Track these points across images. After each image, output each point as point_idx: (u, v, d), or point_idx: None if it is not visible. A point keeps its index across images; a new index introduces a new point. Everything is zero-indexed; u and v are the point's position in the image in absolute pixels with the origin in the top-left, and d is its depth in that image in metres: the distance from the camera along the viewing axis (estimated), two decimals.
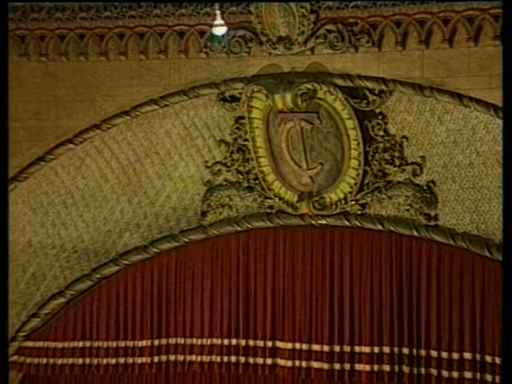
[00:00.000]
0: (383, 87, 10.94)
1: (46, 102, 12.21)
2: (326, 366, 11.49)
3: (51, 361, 12.54)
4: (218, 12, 11.07)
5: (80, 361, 12.41)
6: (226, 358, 12.16)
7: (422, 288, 11.19)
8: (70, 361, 12.48)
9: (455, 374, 11.00)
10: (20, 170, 12.23)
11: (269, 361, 11.92)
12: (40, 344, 12.53)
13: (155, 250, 12.12)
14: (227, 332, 12.07)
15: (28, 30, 12.01)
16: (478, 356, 10.96)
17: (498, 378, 11.07)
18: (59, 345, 12.49)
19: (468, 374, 10.93)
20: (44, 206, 12.42)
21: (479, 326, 10.91)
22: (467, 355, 10.95)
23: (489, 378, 10.97)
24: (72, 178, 12.23)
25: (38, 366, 12.59)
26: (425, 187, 11.06)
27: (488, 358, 10.90)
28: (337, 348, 11.50)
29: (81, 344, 12.41)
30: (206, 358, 12.21)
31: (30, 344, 12.55)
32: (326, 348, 11.53)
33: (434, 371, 11.13)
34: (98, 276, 12.27)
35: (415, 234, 11.18)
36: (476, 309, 10.92)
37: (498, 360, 10.98)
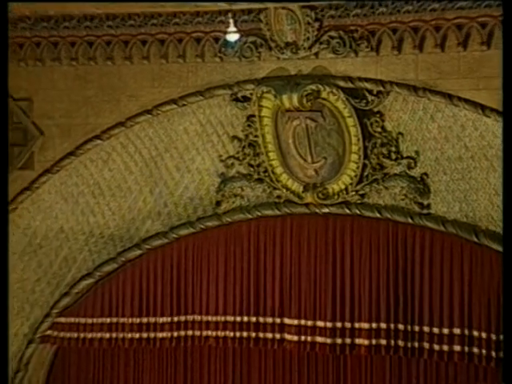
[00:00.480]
0: (381, 88, 10.95)
1: (76, 101, 12.20)
2: (328, 340, 11.49)
3: (81, 335, 12.57)
4: (231, 20, 11.06)
5: (107, 335, 12.44)
6: (238, 334, 12.13)
7: (416, 270, 11.18)
8: (99, 335, 12.52)
9: (445, 348, 10.99)
10: (53, 163, 12.25)
11: (277, 336, 11.92)
12: (71, 320, 12.55)
13: (174, 235, 12.14)
14: (239, 310, 12.08)
15: (60, 37, 12.00)
16: (466, 331, 10.95)
17: (484, 352, 10.86)
18: (89, 321, 12.51)
19: (457, 348, 10.93)
20: (74, 196, 12.41)
21: (467, 303, 10.90)
22: (456, 330, 10.94)
23: (476, 350, 10.96)
24: (99, 171, 12.25)
25: (69, 339, 12.61)
26: (418, 179, 11.06)
27: (475, 333, 10.90)
28: (338, 324, 11.49)
29: (108, 320, 12.44)
30: (220, 334, 12.17)
31: (62, 320, 12.53)
32: (328, 324, 11.53)
33: (426, 345, 11.12)
34: (123, 259, 12.31)
35: (410, 221, 11.18)
36: (464, 289, 10.92)
37: (484, 335, 10.86)
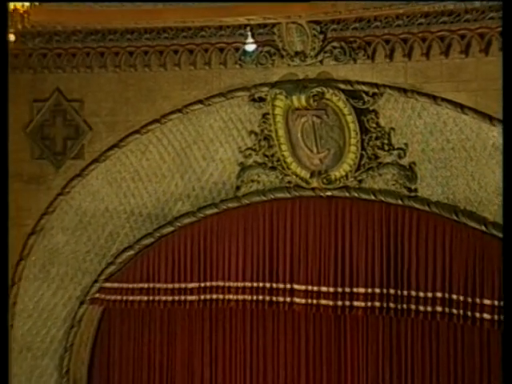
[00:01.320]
0: (375, 90, 10.93)
1: (118, 102, 12.18)
2: (331, 303, 11.48)
3: (124, 298, 12.57)
4: (249, 33, 11.18)
5: (145, 298, 12.44)
6: (254, 297, 12.06)
7: (405, 244, 11.18)
8: (138, 298, 12.50)
9: (429, 309, 10.97)
10: (99, 154, 12.24)
11: (287, 299, 11.88)
12: (115, 285, 12.56)
13: (201, 214, 12.10)
14: (255, 277, 12.04)
15: (106, 47, 11.98)
16: (447, 294, 10.89)
17: (461, 312, 10.85)
18: (130, 286, 12.51)
19: (439, 309, 10.91)
20: (117, 181, 12.37)
21: (448, 272, 10.90)
22: (438, 294, 10.91)
23: (454, 311, 10.90)
24: (138, 160, 12.21)
25: (114, 301, 12.62)
26: (407, 167, 11.03)
27: (454, 296, 10.83)
28: (339, 289, 11.46)
29: (146, 285, 12.44)
30: (239, 297, 12.13)
31: (108, 285, 12.54)
32: (331, 289, 11.50)
33: (413, 306, 11.10)
34: (158, 234, 12.27)
35: (400, 202, 11.13)
36: (445, 259, 10.92)
37: (461, 298, 10.84)
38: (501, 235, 10.69)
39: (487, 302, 10.68)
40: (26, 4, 7.81)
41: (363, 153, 11.07)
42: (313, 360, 11.99)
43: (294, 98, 11.03)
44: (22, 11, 7.69)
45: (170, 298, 12.34)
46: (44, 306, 12.73)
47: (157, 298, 12.39)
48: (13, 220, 12.30)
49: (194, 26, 11.22)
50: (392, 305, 11.23)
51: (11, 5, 7.89)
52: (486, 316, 10.67)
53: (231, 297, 12.10)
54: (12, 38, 8.37)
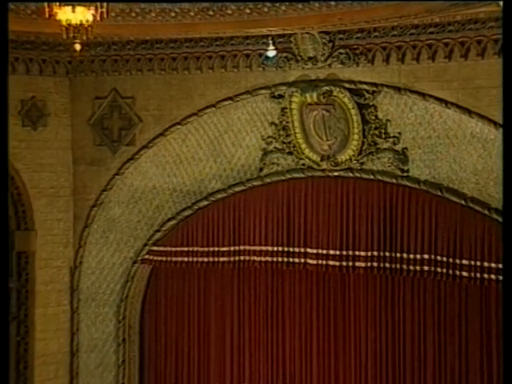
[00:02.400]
0: (375, 88, 10.95)
1: (163, 99, 12.13)
2: (337, 263, 11.56)
3: (168, 259, 12.60)
4: (270, 42, 11.06)
5: (185, 259, 12.47)
6: (275, 259, 12.08)
7: (399, 215, 11.19)
8: (180, 259, 12.52)
9: (418, 268, 11.04)
10: (148, 141, 12.23)
11: (302, 260, 11.90)
12: (161, 248, 12.57)
13: (230, 191, 12.13)
14: (276, 242, 12.01)
15: (153, 54, 11.93)
16: (432, 256, 10.95)
17: (444, 270, 10.91)
18: (173, 249, 12.52)
19: (426, 268, 10.98)
20: (162, 164, 12.35)
21: (434, 238, 10.95)
22: (425, 256, 10.96)
23: (439, 270, 10.93)
24: (179, 146, 12.19)
25: (160, 262, 12.65)
26: (400, 152, 11.03)
27: (438, 258, 10.89)
28: (344, 252, 11.50)
29: (186, 248, 12.45)
30: (262, 259, 12.14)
31: (155, 248, 12.57)
32: (337, 252, 11.55)
33: (404, 266, 11.15)
34: (196, 207, 12.31)
35: (394, 181, 11.16)
36: (432, 227, 10.97)
37: (444, 259, 10.91)
38: (477, 208, 10.73)
39: (465, 262, 10.78)
40: (90, 19, 7.73)
41: (364, 140, 11.11)
42: (322, 310, 11.95)
43: (307, 95, 11.10)
44: (86, 25, 7.68)
45: (205, 260, 12.40)
46: (104, 265, 12.77)
47: (195, 259, 12.43)
48: (79, 195, 12.85)
49: (225, 36, 11.19)
50: (387, 265, 11.27)
51: (78, 20, 7.74)
52: (465, 274, 10.78)
53: (255, 258, 12.14)
54: (78, 47, 8.42)
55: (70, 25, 7.46)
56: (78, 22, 7.50)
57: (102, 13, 7.43)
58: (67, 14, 7.43)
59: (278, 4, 9.85)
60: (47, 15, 7.42)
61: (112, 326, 12.76)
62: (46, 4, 7.59)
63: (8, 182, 7.19)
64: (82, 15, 7.48)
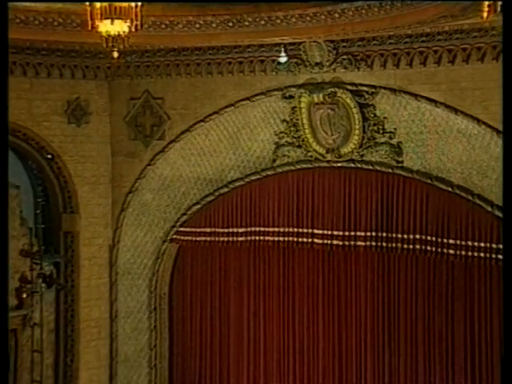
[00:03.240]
0: (373, 90, 10.96)
1: (189, 99, 12.11)
2: (340, 243, 11.61)
3: (193, 238, 12.64)
4: (282, 49, 11.10)
5: (208, 239, 12.50)
6: (285, 239, 12.08)
7: (394, 200, 11.23)
8: (203, 238, 12.56)
9: (410, 246, 11.07)
10: (176, 136, 12.24)
11: (309, 240, 11.91)
12: (187, 229, 12.61)
13: (247, 180, 12.15)
14: (286, 224, 12.01)
15: (180, 60, 11.95)
16: (423, 236, 11.00)
17: (434, 249, 10.97)
18: (197, 230, 12.57)
19: (417, 246, 11.04)
20: (188, 156, 12.37)
21: (424, 220, 10.99)
22: (417, 236, 11.02)
23: (428, 248, 10.99)
24: (203, 141, 12.21)
25: (186, 241, 12.71)
26: (396, 145, 11.04)
27: (428, 238, 10.94)
28: (346, 233, 11.54)
29: (208, 229, 12.51)
30: (275, 239, 12.15)
31: (181, 229, 12.61)
32: (340, 233, 11.59)
33: (399, 245, 11.21)
34: (217, 193, 12.34)
35: (390, 171, 11.16)
36: (423, 211, 11.01)
37: (434, 238, 10.96)
38: (462, 194, 10.78)
39: (451, 241, 10.85)
40: (126, 30, 7.58)
41: (364, 135, 11.12)
42: (327, 282, 11.97)
43: (315, 95, 11.12)
44: (123, 36, 7.55)
45: (225, 239, 12.41)
46: (138, 243, 12.81)
47: (216, 238, 12.46)
48: (116, 183, 12.96)
49: (243, 44, 11.20)
50: (384, 244, 11.33)
51: (116, 31, 7.54)
52: (451, 251, 10.86)
53: (268, 238, 12.17)
54: (116, 54, 8.47)
55: (109, 36, 7.46)
56: (116, 33, 7.47)
57: (136, 25, 7.33)
58: (107, 27, 7.38)
59: (289, 16, 9.73)
60: (90, 27, 7.32)
61: (145, 296, 12.80)
62: (89, 18, 7.42)
63: (7, 182, 6.22)
64: (119, 27, 7.41)
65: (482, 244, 10.59)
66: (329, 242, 11.74)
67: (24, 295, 11.91)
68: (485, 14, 4.70)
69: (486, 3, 4.83)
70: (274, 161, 11.95)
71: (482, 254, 10.60)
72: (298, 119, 11.52)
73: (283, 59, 11.13)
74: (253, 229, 12.30)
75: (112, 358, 12.79)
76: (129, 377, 12.86)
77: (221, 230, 12.46)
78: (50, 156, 12.21)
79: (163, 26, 9.95)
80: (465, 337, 11.02)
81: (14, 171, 12.07)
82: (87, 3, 7.24)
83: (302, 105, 11.33)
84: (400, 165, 11.06)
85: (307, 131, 11.50)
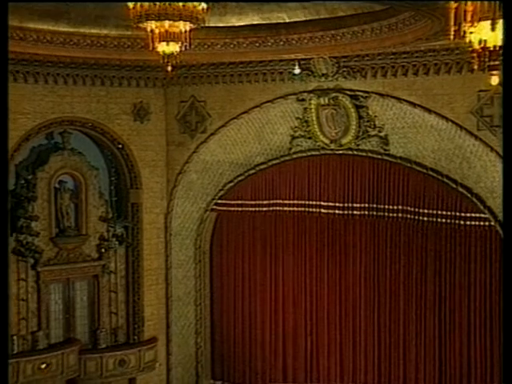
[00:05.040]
0: (366, 94, 10.89)
1: (225, 101, 12.08)
2: (341, 212, 11.65)
3: (228, 208, 12.68)
4: (296, 63, 11.03)
5: (239, 209, 12.54)
6: (298, 209, 12.07)
7: (382, 179, 11.22)
8: (235, 208, 12.51)
9: (394, 215, 11.16)
10: (215, 130, 12.21)
11: (317, 210, 11.91)
12: (223, 201, 12.66)
13: (270, 164, 12.14)
14: (299, 197, 12.01)
15: (218, 72, 11.87)
16: (405, 207, 11.05)
17: (415, 217, 10.90)
18: (231, 202, 12.61)
19: (400, 215, 11.09)
20: (224, 145, 12.32)
21: (406, 193, 11.00)
22: (400, 207, 11.06)
23: (408, 216, 11.06)
24: (235, 133, 12.17)
25: (222, 210, 12.76)
26: (383, 137, 11.00)
27: (409, 208, 10.99)
28: (345, 204, 11.59)
29: (239, 202, 12.52)
30: (290, 209, 12.16)
31: (219, 201, 12.67)
32: (341, 205, 11.63)
33: (386, 214, 11.25)
34: (246, 174, 12.37)
35: (379, 157, 11.11)
36: (404, 187, 11.07)
37: (412, 208, 10.91)
38: (434, 174, 10.63)
39: (426, 211, 10.85)
40: (178, 50, 7.38)
41: (359, 129, 11.12)
42: (331, 243, 12.04)
43: (321, 99, 11.19)
44: (175, 54, 7.48)
45: (252, 209, 12.51)
46: (186, 212, 12.84)
47: (245, 208, 12.55)
48: (169, 166, 12.68)
49: (266, 59, 11.18)
50: (374, 213, 11.41)
51: (170, 51, 7.33)
52: (425, 218, 10.89)
53: (285, 208, 12.22)
54: (170, 68, 7.92)
55: (165, 54, 7.38)
56: (170, 52, 7.41)
57: (185, 46, 7.28)
58: (163, 47, 7.33)
59: (301, 38, 9.67)
60: (151, 48, 7.25)
61: (191, 251, 12.91)
62: (150, 41, 7.16)
63: (7, 183, 5.37)
64: (173, 48, 7.37)
65: (449, 213, 10.63)
66: (332, 211, 11.79)
67: (102, 250, 12.03)
68: (451, 37, 4.84)
69: (453, 29, 4.83)
70: (290, 149, 11.96)
71: (448, 220, 10.65)
72: (308, 117, 11.55)
73: (297, 71, 11.15)
74: (273, 201, 12.35)
75: (167, 298, 12.82)
76: (180, 312, 12.88)
77: (249, 202, 12.52)
78: (120, 146, 12.28)
79: (206, 46, 10.04)
80: (434, 282, 11.09)
81: (94, 157, 12.25)
82: (149, 30, 6.99)
83: (312, 106, 11.38)
84: (387, 152, 11.08)
85: (315, 126, 11.50)
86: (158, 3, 6.73)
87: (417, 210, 10.98)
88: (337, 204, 11.79)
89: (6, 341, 4.49)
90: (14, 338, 11.08)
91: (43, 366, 10.92)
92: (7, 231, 4.71)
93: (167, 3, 6.78)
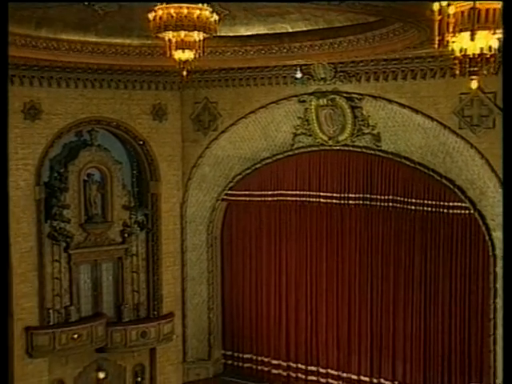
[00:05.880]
0: (361, 96, 10.88)
1: (235, 103, 12.06)
2: (338, 201, 11.66)
3: (237, 198, 12.69)
4: (298, 68, 11.04)
5: (247, 198, 12.57)
6: (301, 199, 12.04)
7: (374, 172, 11.27)
8: (243, 198, 12.62)
9: (385, 204, 11.15)
10: (225, 128, 12.16)
11: (317, 199, 11.86)
12: (233, 192, 12.68)
13: (274, 158, 12.14)
14: (301, 188, 11.97)
15: (229, 76, 11.88)
16: (394, 197, 11.05)
17: (401, 205, 10.90)
18: (239, 192, 12.62)
19: (390, 204, 11.16)
20: (233, 142, 12.31)
21: (396, 185, 11.07)
22: (390, 197, 11.15)
23: (398, 205, 11.02)
24: (244, 131, 12.10)
25: (232, 200, 12.77)
26: (376, 134, 11.02)
27: (397, 198, 11.12)
28: (342, 195, 11.58)
29: (247, 192, 12.56)
30: (292, 199, 12.14)
31: (229, 192, 12.68)
32: (338, 195, 11.63)
33: (378, 203, 11.23)
34: (253, 168, 12.20)
35: (372, 152, 11.11)
36: (393, 179, 11.16)
37: (401, 198, 10.97)
38: (420, 168, 10.64)
39: (413, 200, 10.94)
40: (192, 57, 7.00)
41: (354, 127, 11.17)
42: (330, 228, 12.07)
43: (320, 100, 11.24)
44: (190, 61, 7.02)
45: (258, 199, 12.55)
46: (199, 201, 12.88)
47: (252, 198, 12.61)
48: (185, 160, 12.61)
49: (271, 65, 11.19)
50: (367, 202, 11.49)
51: (185, 57, 6.97)
52: (412, 207, 10.99)
53: (289, 198, 12.31)
54: (185, 73, 7.50)
55: (180, 61, 6.95)
56: (185, 59, 6.99)
57: (199, 53, 7.03)
58: (179, 55, 6.90)
59: (303, 46, 9.65)
60: (168, 55, 7.03)
61: (204, 236, 12.97)
62: (167, 49, 6.89)
63: (7, 183, 4.89)
64: (188, 55, 6.98)
65: (434, 202, 10.73)
66: (330, 201, 11.86)
67: (125, 235, 12.16)
68: (436, 46, 4.91)
69: (437, 38, 4.64)
70: (293, 145, 12.00)
71: (433, 209, 10.76)
72: (309, 116, 11.59)
73: (299, 75, 11.19)
74: (278, 192, 12.40)
75: (183, 278, 12.88)
76: (194, 290, 12.97)
77: (255, 193, 12.59)
78: (141, 142, 12.32)
79: (217, 54, 10.07)
80: (421, 262, 11.23)
81: (118, 153, 12.37)
82: (167, 39, 6.79)
83: (312, 107, 11.41)
84: (379, 148, 11.12)
85: (315, 125, 11.55)
86: (174, 16, 6.68)
87: (405, 199, 11.11)
88: (334, 194, 11.85)
89: (6, 341, 4.00)
90: (50, 311, 11.36)
91: (75, 336, 11.25)
92: (7, 231, 3.90)
93: (183, 16, 6.68)
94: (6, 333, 3.88)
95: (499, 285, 9.83)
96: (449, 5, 4.47)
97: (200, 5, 6.64)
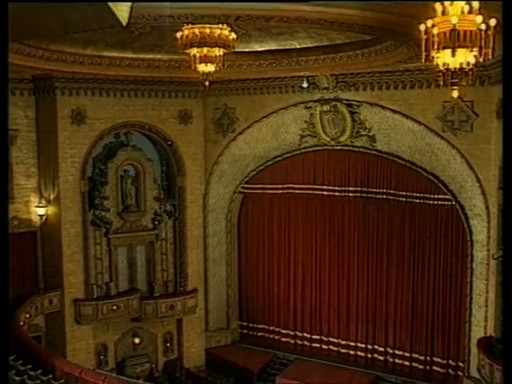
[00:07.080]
0: (359, 103, 10.91)
1: (250, 109, 12.06)
2: (339, 194, 11.79)
3: (252, 191, 12.74)
4: (304, 79, 11.06)
5: (260, 191, 12.59)
6: (307, 191, 12.08)
7: (371, 169, 11.40)
8: (257, 191, 12.70)
9: (379, 196, 11.31)
10: (241, 130, 12.20)
11: (321, 193, 11.91)
12: (248, 185, 12.73)
13: (284, 156, 12.14)
14: (307, 182, 12.06)
15: (245, 86, 11.83)
16: (388, 190, 11.20)
17: (394, 197, 10.95)
18: (254, 186, 12.68)
19: (384, 196, 11.22)
20: (248, 143, 12.34)
21: (389, 180, 11.14)
22: (384, 190, 11.23)
23: (390, 197, 11.17)
24: (258, 133, 12.15)
25: (247, 192, 12.82)
26: (372, 136, 11.08)
27: (391, 191, 11.19)
28: (343, 188, 11.70)
29: (260, 185, 12.61)
30: (300, 191, 12.21)
31: (245, 185, 12.75)
32: (339, 188, 11.78)
33: (373, 195, 11.32)
34: (266, 165, 12.37)
35: (368, 151, 11.16)
36: (387, 175, 11.23)
37: (393, 191, 10.99)
38: (410, 165, 10.66)
39: (404, 193, 11.04)
40: (213, 69, 6.91)
41: (353, 130, 11.25)
42: (332, 218, 12.18)
43: (324, 107, 11.30)
44: (212, 72, 6.92)
45: (270, 192, 12.62)
46: (219, 193, 12.95)
47: (265, 191, 12.71)
48: (207, 158, 12.64)
49: (281, 76, 11.25)
50: (364, 195, 11.62)
51: (207, 69, 6.90)
52: (403, 199, 11.11)
53: (296, 191, 12.38)
54: (207, 83, 7.23)
55: (204, 72, 6.96)
56: (208, 71, 6.93)
57: (219, 66, 6.81)
58: (203, 67, 6.92)
59: (308, 60, 9.64)
60: (193, 68, 6.95)
61: (223, 223, 13.07)
62: (192, 62, 6.84)
63: (7, 184, 4.39)
64: (210, 67, 6.96)
65: (421, 195, 10.87)
66: (332, 193, 11.97)
67: (156, 222, 12.32)
68: (423, 60, 4.98)
69: (424, 54, 4.62)
70: (300, 145, 12.07)
71: (421, 201, 10.91)
72: (314, 120, 11.66)
73: (305, 85, 11.26)
74: (287, 185, 12.49)
75: (205, 259, 12.99)
76: (215, 270, 13.08)
77: (268, 186, 12.68)
78: (169, 143, 12.39)
79: (235, 67, 10.15)
80: (410, 246, 11.39)
81: (150, 152, 12.57)
82: (192, 54, 6.76)
83: (316, 112, 11.50)
84: (374, 148, 11.21)
85: (319, 128, 11.64)
86: (199, 34, 6.79)
87: (397, 192, 11.29)
88: (336, 188, 11.99)
89: (7, 341, 3.53)
90: (94, 286, 11.77)
91: (114, 307, 11.67)
92: (7, 231, 3.53)
93: (206, 34, 6.80)
94: (6, 333, 3.50)
95: (475, 265, 10.02)
96: (433, 26, 4.63)
97: (220, 25, 6.75)
